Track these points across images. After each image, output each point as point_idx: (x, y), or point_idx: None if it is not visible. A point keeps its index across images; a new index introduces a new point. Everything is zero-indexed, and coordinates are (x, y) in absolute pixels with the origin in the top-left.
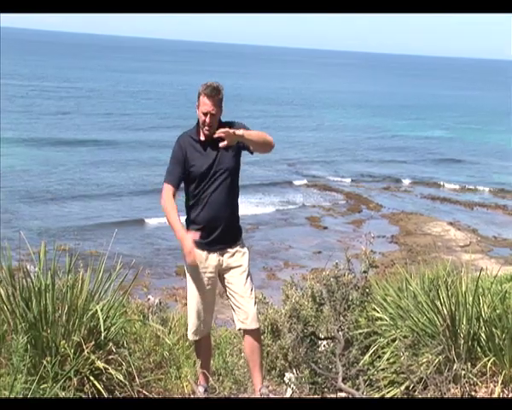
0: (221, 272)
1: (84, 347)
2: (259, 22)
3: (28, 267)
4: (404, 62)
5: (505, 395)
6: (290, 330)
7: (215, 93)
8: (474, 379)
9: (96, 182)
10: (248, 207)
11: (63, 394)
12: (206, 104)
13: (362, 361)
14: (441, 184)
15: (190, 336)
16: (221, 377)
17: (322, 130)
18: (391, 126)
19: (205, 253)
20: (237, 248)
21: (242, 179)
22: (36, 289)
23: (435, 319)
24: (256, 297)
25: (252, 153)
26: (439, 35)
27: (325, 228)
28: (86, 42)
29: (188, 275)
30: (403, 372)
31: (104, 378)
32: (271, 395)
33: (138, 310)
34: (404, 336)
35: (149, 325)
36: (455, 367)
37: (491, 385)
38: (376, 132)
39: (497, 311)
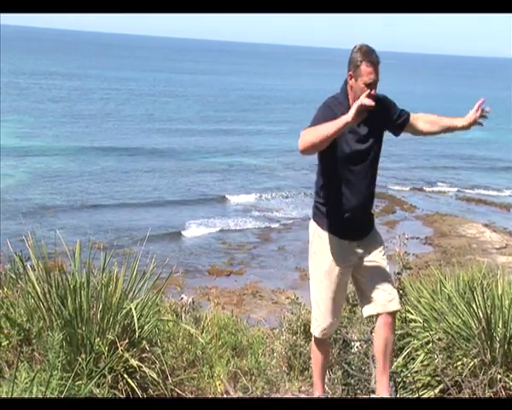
0: (359, 261)
1: (119, 345)
2: (272, 21)
3: (64, 265)
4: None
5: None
6: None
7: (379, 59)
8: (510, 383)
9: (140, 190)
10: (281, 206)
11: (97, 391)
12: (372, 73)
13: (395, 363)
14: (477, 185)
15: (316, 333)
16: (254, 377)
17: None
18: None
19: (346, 242)
20: (372, 230)
21: (275, 180)
22: (71, 286)
23: (470, 321)
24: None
25: (398, 134)
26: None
27: None
28: (112, 42)
29: (324, 264)
30: (437, 375)
31: (138, 376)
32: None
33: (171, 309)
34: (439, 339)
35: (182, 324)
36: (490, 371)
37: None
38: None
39: None
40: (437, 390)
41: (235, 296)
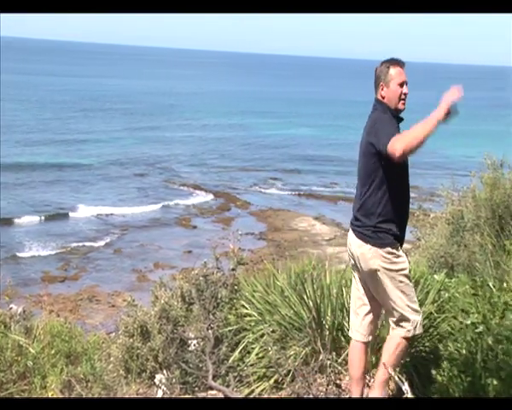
0: None
1: None
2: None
3: None
4: (268, 62)
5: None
6: (160, 332)
7: (404, 64)
8: (339, 368)
9: None
10: (117, 208)
11: None
12: (402, 73)
13: (232, 358)
14: (306, 180)
15: (421, 329)
16: (89, 384)
17: (190, 129)
18: (257, 125)
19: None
20: None
21: (108, 181)
22: None
23: (302, 312)
24: None
25: None
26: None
27: (195, 227)
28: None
29: (403, 268)
30: (271, 366)
31: None
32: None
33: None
34: (273, 331)
35: (11, 335)
36: (321, 358)
37: None
38: (243, 131)
39: None
40: (272, 381)
41: (70, 302)
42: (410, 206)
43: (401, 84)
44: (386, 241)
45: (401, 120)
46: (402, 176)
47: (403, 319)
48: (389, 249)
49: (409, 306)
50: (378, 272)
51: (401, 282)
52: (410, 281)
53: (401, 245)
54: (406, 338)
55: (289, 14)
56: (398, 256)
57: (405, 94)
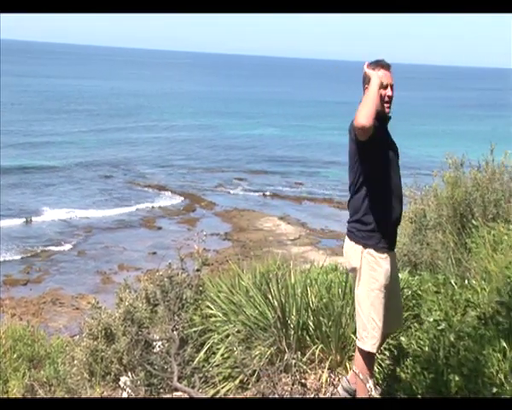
0: (392, 276)
1: None
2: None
3: None
4: (235, 62)
5: (332, 380)
6: (125, 334)
7: (390, 66)
8: (304, 367)
9: None
10: (82, 210)
11: None
12: (387, 75)
13: (197, 359)
14: (272, 180)
15: (375, 349)
16: (53, 388)
17: (156, 130)
18: (224, 126)
19: (392, 254)
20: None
21: (72, 183)
22: None
23: (267, 311)
24: None
25: None
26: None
27: (160, 229)
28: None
29: (381, 280)
30: (237, 367)
31: None
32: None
33: None
34: (238, 331)
35: None
36: (286, 357)
37: (320, 371)
38: (210, 132)
39: (324, 300)
40: (237, 381)
41: (33, 306)
42: None
43: (385, 87)
44: (370, 241)
45: (386, 119)
46: (388, 174)
47: (363, 328)
48: (372, 251)
49: (374, 320)
50: (357, 272)
51: (373, 291)
52: (385, 298)
53: (391, 249)
54: (362, 351)
55: (256, 15)
56: (379, 265)
57: (389, 96)
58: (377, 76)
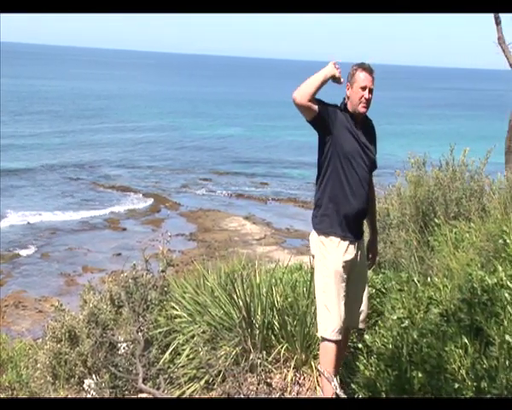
0: (351, 268)
1: None
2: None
3: None
4: (197, 62)
5: (297, 379)
6: (89, 336)
7: (372, 70)
8: (269, 367)
9: None
10: (45, 212)
11: None
12: (367, 78)
13: (162, 360)
14: (237, 180)
15: (333, 336)
16: (15, 392)
17: (122, 131)
18: (191, 126)
19: (346, 243)
20: (361, 241)
21: (36, 185)
22: None
23: (232, 311)
24: None
25: None
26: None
27: (124, 230)
28: None
29: (331, 266)
30: (202, 367)
31: None
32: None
33: None
34: (203, 332)
35: None
36: (251, 357)
37: (285, 371)
38: (176, 132)
39: (289, 299)
40: (202, 382)
41: None
42: None
43: (363, 88)
44: (320, 226)
45: (358, 115)
46: (345, 167)
47: (318, 315)
48: (323, 238)
49: (326, 307)
50: (314, 259)
51: (324, 278)
52: (337, 285)
53: (347, 238)
54: (323, 338)
55: (221, 15)
56: (329, 252)
57: (366, 99)
58: (332, 66)
